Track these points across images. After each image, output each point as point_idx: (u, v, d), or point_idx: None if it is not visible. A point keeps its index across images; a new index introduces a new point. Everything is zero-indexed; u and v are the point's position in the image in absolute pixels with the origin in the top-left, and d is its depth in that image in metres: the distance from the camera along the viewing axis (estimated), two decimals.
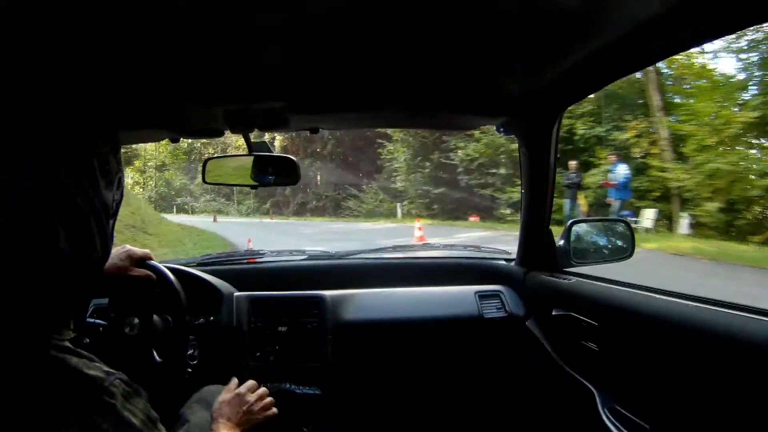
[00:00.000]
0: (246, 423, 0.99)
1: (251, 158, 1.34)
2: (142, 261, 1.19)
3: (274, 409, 1.07)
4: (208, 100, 1.11)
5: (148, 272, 1.13)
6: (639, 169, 9.04)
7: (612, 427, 1.00)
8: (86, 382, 0.52)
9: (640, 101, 9.97)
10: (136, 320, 1.29)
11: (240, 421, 0.97)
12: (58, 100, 0.63)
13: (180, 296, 1.31)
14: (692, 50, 7.89)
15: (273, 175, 1.35)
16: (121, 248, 1.13)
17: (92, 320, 1.31)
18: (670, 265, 5.99)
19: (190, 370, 1.28)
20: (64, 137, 0.55)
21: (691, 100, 8.82)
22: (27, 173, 0.52)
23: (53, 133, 0.55)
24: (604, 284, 1.17)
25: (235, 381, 1.09)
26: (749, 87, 8.18)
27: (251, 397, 1.04)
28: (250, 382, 1.09)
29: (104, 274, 1.03)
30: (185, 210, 20.58)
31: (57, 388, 0.51)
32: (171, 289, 1.32)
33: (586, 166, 9.68)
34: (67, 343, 0.55)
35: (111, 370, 0.56)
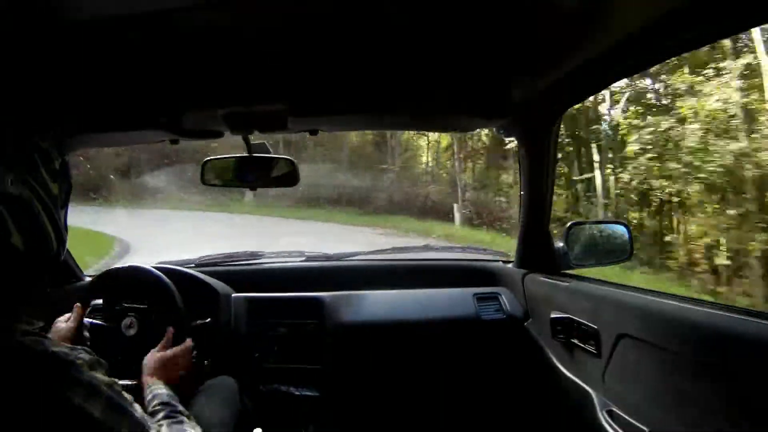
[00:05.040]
0: (173, 380, 1.03)
1: (250, 159, 1.33)
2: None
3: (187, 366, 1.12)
4: (207, 101, 1.10)
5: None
6: None
7: (610, 430, 1.00)
8: (53, 359, 0.56)
9: None
10: (134, 320, 1.29)
11: (169, 379, 1.01)
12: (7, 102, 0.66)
13: (176, 298, 1.32)
14: None
15: (272, 177, 1.35)
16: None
17: (90, 320, 1.32)
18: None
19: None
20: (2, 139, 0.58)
21: None
22: None
23: None
24: (603, 286, 1.17)
25: (169, 337, 1.14)
26: None
27: (181, 359, 1.10)
28: (187, 345, 1.14)
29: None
30: None
31: (25, 371, 0.54)
32: (167, 292, 1.32)
33: None
34: (32, 329, 0.59)
35: (74, 346, 0.60)
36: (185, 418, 0.82)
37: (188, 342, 1.16)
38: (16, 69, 0.85)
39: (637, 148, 7.08)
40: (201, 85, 1.05)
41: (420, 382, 1.57)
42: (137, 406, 0.64)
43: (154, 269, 1.37)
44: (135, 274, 1.37)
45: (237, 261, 1.80)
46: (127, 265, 1.41)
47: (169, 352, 1.10)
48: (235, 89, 1.07)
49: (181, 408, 0.86)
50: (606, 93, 7.90)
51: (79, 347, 0.61)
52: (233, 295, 1.55)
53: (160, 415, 0.81)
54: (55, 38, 0.78)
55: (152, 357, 1.06)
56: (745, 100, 5.89)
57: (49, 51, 0.82)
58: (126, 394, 0.63)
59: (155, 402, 0.85)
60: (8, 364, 0.54)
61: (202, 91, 1.07)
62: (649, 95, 7.89)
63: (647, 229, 7.92)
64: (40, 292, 0.65)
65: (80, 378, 0.56)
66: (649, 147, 6.92)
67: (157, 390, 0.90)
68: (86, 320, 1.32)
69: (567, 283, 1.29)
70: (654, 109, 7.53)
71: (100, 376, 0.60)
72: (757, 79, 5.86)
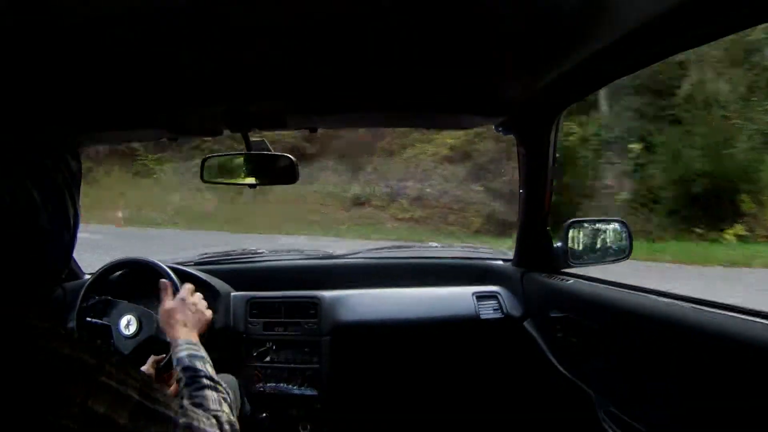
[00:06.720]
0: (198, 324, 0.99)
1: (250, 157, 1.33)
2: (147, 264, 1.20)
3: (209, 312, 1.07)
4: (206, 99, 1.10)
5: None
6: None
7: (609, 430, 1.00)
8: (78, 366, 0.51)
9: None
10: (133, 319, 1.30)
11: (194, 323, 0.97)
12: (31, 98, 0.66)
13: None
14: None
15: (271, 174, 1.35)
16: None
17: (91, 320, 1.32)
18: None
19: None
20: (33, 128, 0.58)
21: None
22: (4, 158, 0.53)
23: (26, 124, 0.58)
24: (602, 285, 1.17)
25: (170, 289, 1.07)
26: None
27: (194, 299, 1.04)
28: (188, 285, 1.08)
29: None
30: None
31: (49, 377, 0.50)
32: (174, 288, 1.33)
33: None
34: (52, 327, 0.54)
35: (99, 346, 0.56)
36: (206, 381, 0.76)
37: (187, 286, 1.09)
38: (16, 68, 0.84)
39: None
40: (200, 82, 1.04)
41: (419, 380, 1.58)
42: (174, 404, 0.60)
43: (158, 262, 1.38)
44: (139, 267, 1.38)
45: (236, 259, 1.80)
46: (129, 257, 1.41)
47: (180, 295, 1.04)
48: (234, 87, 1.07)
49: (203, 369, 0.79)
50: None
51: (103, 345, 0.57)
52: (232, 293, 1.55)
53: (182, 384, 0.76)
54: (54, 37, 0.77)
55: (162, 315, 0.99)
56: None
57: (48, 50, 0.81)
58: (163, 393, 0.59)
59: (178, 369, 0.80)
60: (25, 369, 0.48)
61: (201, 89, 1.07)
62: None
63: None
64: (53, 286, 0.64)
65: (108, 384, 0.52)
66: None
67: (179, 353, 0.84)
68: (87, 319, 1.32)
69: (566, 282, 1.29)
70: None
71: (131, 379, 0.55)
72: None
